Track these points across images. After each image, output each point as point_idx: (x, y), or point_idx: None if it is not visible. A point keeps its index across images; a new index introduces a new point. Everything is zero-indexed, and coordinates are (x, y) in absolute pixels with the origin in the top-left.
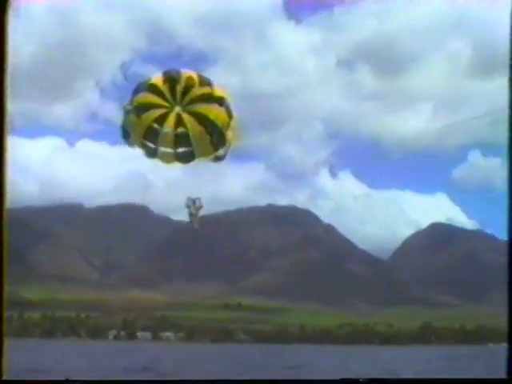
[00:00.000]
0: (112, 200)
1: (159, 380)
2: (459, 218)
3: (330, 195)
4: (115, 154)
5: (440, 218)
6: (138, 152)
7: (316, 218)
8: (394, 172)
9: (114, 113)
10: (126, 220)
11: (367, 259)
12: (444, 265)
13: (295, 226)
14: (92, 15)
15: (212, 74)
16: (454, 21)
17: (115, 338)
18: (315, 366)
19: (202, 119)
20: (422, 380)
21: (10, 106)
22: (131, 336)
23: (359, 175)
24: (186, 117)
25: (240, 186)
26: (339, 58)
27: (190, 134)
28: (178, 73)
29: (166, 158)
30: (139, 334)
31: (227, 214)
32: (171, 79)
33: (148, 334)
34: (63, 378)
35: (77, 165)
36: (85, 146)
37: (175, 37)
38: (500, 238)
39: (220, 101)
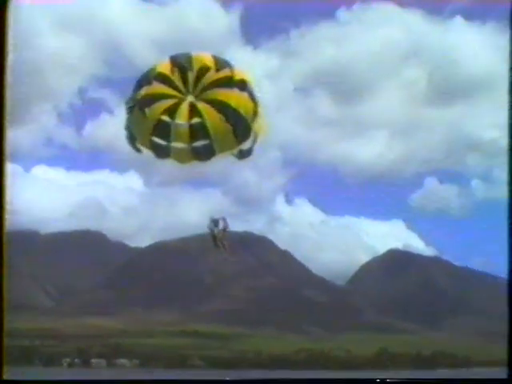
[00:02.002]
0: (67, 226)
1: (158, 380)
2: (416, 244)
3: (286, 222)
4: (71, 179)
5: (397, 244)
6: (95, 177)
7: (272, 245)
8: (350, 199)
9: (71, 138)
10: (82, 247)
11: (323, 285)
12: (401, 291)
13: (251, 253)
14: (50, 38)
15: None
16: (411, 48)
17: (69, 365)
18: None
19: (221, 107)
20: (422, 380)
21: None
22: (85, 363)
23: (316, 202)
24: (201, 105)
25: (195, 212)
26: (296, 84)
27: (208, 124)
28: (189, 57)
29: (180, 156)
30: (94, 361)
31: (183, 241)
32: (181, 65)
33: (103, 361)
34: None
35: (32, 191)
36: (40, 171)
37: (133, 61)
38: (456, 264)
39: (242, 85)
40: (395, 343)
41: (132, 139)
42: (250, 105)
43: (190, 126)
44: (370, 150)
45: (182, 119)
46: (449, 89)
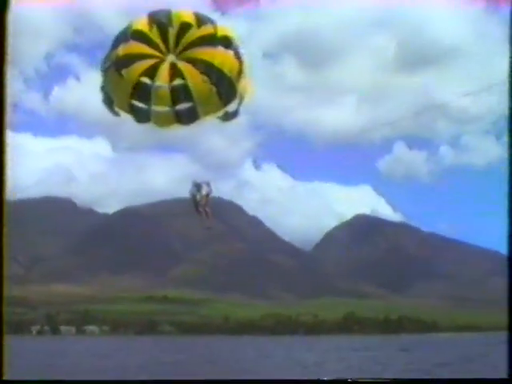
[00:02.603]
0: (35, 193)
1: (157, 380)
2: (384, 209)
3: (254, 187)
4: (38, 145)
5: (364, 209)
6: (63, 143)
7: (240, 210)
8: (318, 164)
9: (38, 103)
10: (50, 213)
11: (291, 251)
12: (368, 256)
13: (219, 218)
14: (16, 3)
15: None
16: (379, 16)
17: (39, 332)
18: (237, 358)
19: (204, 67)
20: (422, 380)
21: None
22: (55, 330)
23: (284, 167)
24: (182, 65)
25: (163, 177)
26: (264, 50)
27: (190, 85)
28: (168, 13)
29: (162, 120)
30: (63, 328)
31: (151, 206)
32: (159, 22)
33: (72, 329)
34: None
35: None
36: (7, 137)
37: (101, 26)
38: (424, 230)
39: (226, 42)
40: (362, 308)
41: (109, 102)
42: (235, 64)
43: (171, 88)
44: (338, 116)
45: (162, 81)
46: (418, 56)
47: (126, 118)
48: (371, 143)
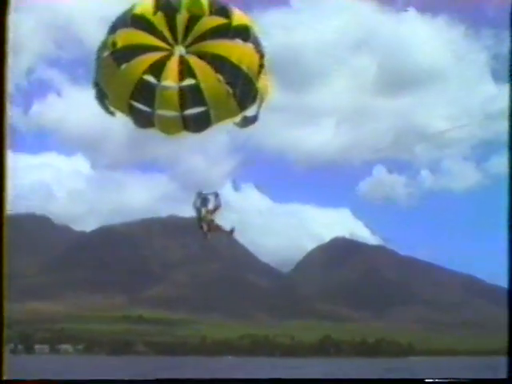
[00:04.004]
0: (13, 210)
1: (157, 380)
2: (362, 232)
3: (233, 208)
4: (17, 162)
5: (343, 232)
6: (42, 159)
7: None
8: (297, 186)
9: (18, 119)
10: (27, 230)
11: (269, 272)
12: (345, 279)
13: (197, 238)
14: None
15: None
16: (362, 38)
17: (12, 351)
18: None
19: (219, 63)
20: (422, 380)
21: None
22: (29, 349)
23: (263, 188)
24: (194, 61)
25: (142, 196)
26: None
27: (202, 86)
28: None
29: (168, 126)
30: (37, 347)
31: (128, 225)
32: (166, 7)
33: (46, 347)
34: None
35: None
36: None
37: (82, 41)
38: (402, 253)
39: (244, 33)
40: (339, 330)
41: (102, 98)
42: (255, 59)
43: (180, 90)
44: (318, 138)
45: (170, 80)
46: (398, 79)
47: (124, 121)
48: (351, 166)
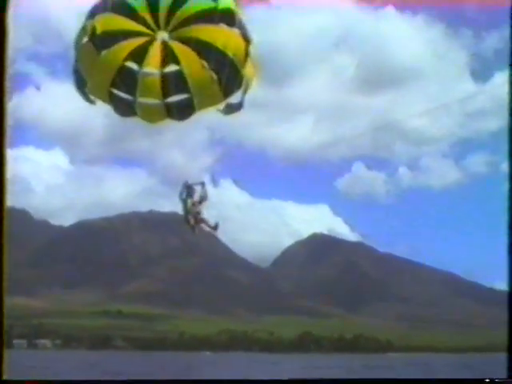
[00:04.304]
0: None
1: (157, 380)
2: (341, 229)
3: (212, 203)
4: None
5: (321, 228)
6: (20, 153)
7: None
8: (276, 182)
9: None
10: (5, 225)
11: (248, 267)
12: (324, 275)
13: (176, 233)
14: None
15: None
16: (341, 35)
17: None
18: (190, 373)
19: (204, 49)
20: (422, 380)
21: None
22: (7, 344)
23: (242, 184)
24: (177, 47)
25: (121, 191)
26: None
27: (186, 72)
28: None
29: (150, 114)
30: (15, 341)
31: (107, 220)
32: None
33: (24, 342)
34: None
35: None
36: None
37: (62, 35)
38: (381, 250)
39: (229, 17)
40: (318, 326)
41: (82, 86)
42: (241, 44)
43: (162, 76)
44: (297, 134)
45: (152, 66)
46: (377, 77)
47: (103, 114)
48: (329, 162)
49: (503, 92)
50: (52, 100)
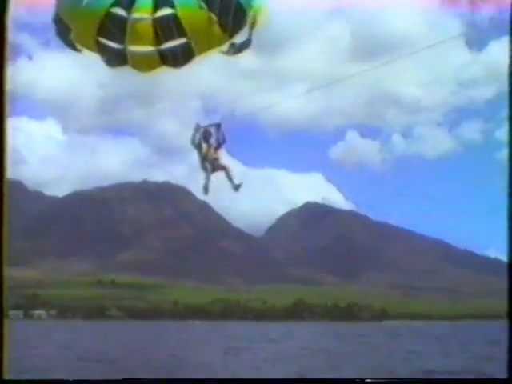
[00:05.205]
0: None
1: (159, 379)
2: (334, 197)
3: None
4: None
5: (315, 197)
6: (13, 124)
7: (190, 195)
8: (270, 151)
9: None
10: (5, 195)
11: (241, 236)
12: (317, 243)
13: (169, 203)
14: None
15: None
16: (334, 5)
17: None
18: (186, 341)
19: None
20: (422, 380)
21: None
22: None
23: (235, 153)
24: None
25: (114, 161)
26: None
27: (181, 15)
28: None
29: (143, 63)
30: (11, 312)
31: (101, 190)
32: None
33: (20, 313)
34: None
35: None
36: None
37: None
38: (374, 218)
39: None
40: (312, 294)
41: (65, 33)
42: None
43: (154, 21)
44: (291, 103)
45: (142, 11)
46: (371, 46)
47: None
48: (323, 131)
49: (497, 61)
50: (44, 70)
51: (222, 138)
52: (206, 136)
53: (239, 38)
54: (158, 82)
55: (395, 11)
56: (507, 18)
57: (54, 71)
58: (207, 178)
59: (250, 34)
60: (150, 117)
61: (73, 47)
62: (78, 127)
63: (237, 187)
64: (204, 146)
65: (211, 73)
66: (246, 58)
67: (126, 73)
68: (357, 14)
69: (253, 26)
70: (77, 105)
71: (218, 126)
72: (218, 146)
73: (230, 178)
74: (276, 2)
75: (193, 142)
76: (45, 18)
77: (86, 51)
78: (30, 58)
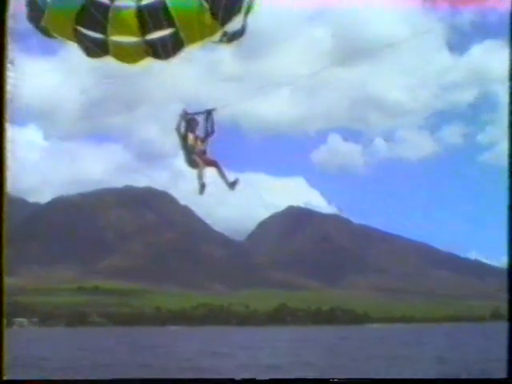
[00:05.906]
0: None
1: (160, 379)
2: (317, 201)
3: (187, 177)
4: None
5: (297, 201)
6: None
7: (173, 200)
8: (251, 155)
9: None
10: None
11: (223, 241)
12: (300, 247)
13: (152, 208)
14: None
15: None
16: (316, 8)
17: None
18: (170, 348)
19: None
20: (422, 380)
21: None
22: None
23: (217, 157)
24: None
25: (96, 167)
26: None
27: (168, 2)
28: None
29: (127, 55)
30: None
31: (82, 196)
32: None
33: None
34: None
35: None
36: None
37: None
38: (357, 222)
39: None
40: (294, 299)
41: (37, 18)
42: None
43: (138, 9)
44: (272, 107)
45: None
46: (353, 49)
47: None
48: (305, 135)
49: (479, 64)
50: (26, 76)
51: (211, 128)
52: (192, 125)
53: (232, 27)
54: (140, 87)
55: (377, 14)
56: (489, 22)
57: (35, 77)
58: (201, 174)
59: (245, 21)
60: (132, 122)
61: (46, 34)
62: (59, 133)
63: (232, 184)
64: (190, 136)
65: (193, 77)
66: (228, 61)
67: (108, 77)
68: (338, 17)
69: (248, 11)
70: (58, 111)
71: (208, 112)
72: (206, 137)
73: (222, 175)
74: (257, 6)
75: (178, 129)
76: (27, 24)
77: (61, 39)
78: (11, 62)
